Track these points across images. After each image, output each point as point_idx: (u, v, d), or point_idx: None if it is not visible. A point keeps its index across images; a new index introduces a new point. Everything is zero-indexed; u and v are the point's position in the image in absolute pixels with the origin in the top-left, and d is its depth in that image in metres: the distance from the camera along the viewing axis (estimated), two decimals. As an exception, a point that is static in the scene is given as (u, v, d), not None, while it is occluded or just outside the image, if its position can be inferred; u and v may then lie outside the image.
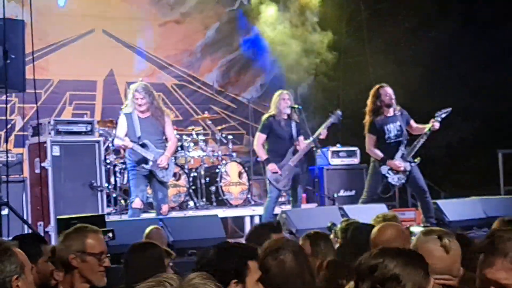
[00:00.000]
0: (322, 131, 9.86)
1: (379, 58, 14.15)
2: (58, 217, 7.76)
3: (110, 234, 5.03)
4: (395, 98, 9.78)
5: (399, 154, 9.66)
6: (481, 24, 13.32)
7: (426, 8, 14.16)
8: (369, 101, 9.81)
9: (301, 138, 9.86)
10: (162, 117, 9.24)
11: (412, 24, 14.24)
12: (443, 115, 9.63)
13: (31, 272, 4.17)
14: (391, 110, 9.77)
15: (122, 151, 9.96)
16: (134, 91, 9.13)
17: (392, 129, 9.75)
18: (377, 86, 9.85)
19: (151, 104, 9.11)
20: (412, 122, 9.80)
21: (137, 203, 8.95)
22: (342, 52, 14.13)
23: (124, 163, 10.14)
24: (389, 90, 9.75)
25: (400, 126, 9.74)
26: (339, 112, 10.02)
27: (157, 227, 7.19)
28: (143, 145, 9.02)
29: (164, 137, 9.31)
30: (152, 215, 9.70)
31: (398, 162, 9.63)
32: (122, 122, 9.23)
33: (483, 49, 13.18)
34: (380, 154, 9.72)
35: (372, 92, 9.83)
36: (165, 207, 9.19)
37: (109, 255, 4.13)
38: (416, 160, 9.65)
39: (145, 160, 9.03)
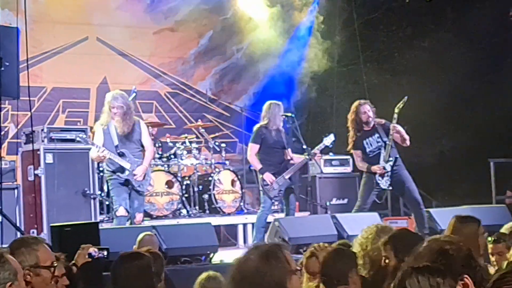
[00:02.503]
0: (314, 152, 9.99)
1: (372, 67, 14.22)
2: (51, 224, 7.74)
3: (105, 253, 4.96)
4: (374, 113, 9.87)
5: (381, 158, 9.76)
6: (473, 34, 13.40)
7: (419, 18, 14.24)
8: (349, 116, 9.92)
9: (289, 150, 9.90)
10: (138, 126, 9.08)
11: (406, 33, 14.32)
12: (401, 106, 9.73)
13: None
14: (369, 125, 9.87)
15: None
16: (111, 100, 8.91)
17: (372, 142, 9.87)
18: (357, 102, 9.96)
19: (127, 114, 8.93)
20: (390, 128, 9.80)
21: (121, 211, 8.83)
22: (336, 61, 14.17)
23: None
24: (367, 108, 9.86)
25: (379, 137, 9.83)
26: (332, 136, 10.12)
27: (150, 233, 7.18)
28: (121, 154, 8.88)
29: (141, 146, 9.15)
30: (144, 223, 9.69)
31: (376, 166, 9.73)
32: (98, 132, 9.01)
33: (475, 58, 13.26)
34: (365, 165, 9.87)
35: (352, 108, 9.93)
36: (139, 216, 9.06)
37: (56, 264, 4.02)
38: (389, 159, 9.72)
39: (122, 169, 8.89)
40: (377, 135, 9.85)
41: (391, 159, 9.73)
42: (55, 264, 4.01)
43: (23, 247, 3.98)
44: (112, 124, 8.92)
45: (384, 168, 9.70)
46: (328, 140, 10.09)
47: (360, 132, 9.90)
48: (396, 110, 9.71)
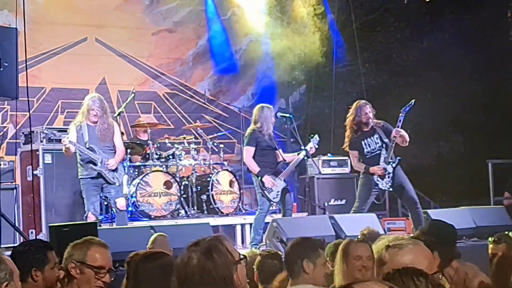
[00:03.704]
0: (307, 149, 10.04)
1: (370, 68, 14.24)
2: (50, 224, 7.77)
3: None
4: (374, 114, 9.86)
5: (381, 159, 9.74)
6: (471, 35, 13.42)
7: (417, 19, 14.26)
8: (349, 116, 9.90)
9: (278, 151, 9.93)
10: (112, 127, 9.22)
11: (404, 34, 14.34)
12: (407, 109, 9.73)
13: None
14: (368, 126, 9.86)
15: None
16: (89, 103, 9.12)
17: (370, 142, 9.84)
18: (357, 103, 9.93)
19: (103, 116, 9.11)
20: (393, 132, 9.79)
21: (90, 218, 8.85)
22: (334, 62, 14.18)
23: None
24: (368, 109, 9.84)
25: (378, 138, 9.81)
26: (316, 137, 10.13)
27: (162, 234, 7.20)
28: (90, 149, 8.98)
29: (113, 145, 9.23)
30: (143, 223, 9.72)
31: (376, 167, 9.70)
32: (72, 130, 9.14)
33: (473, 60, 13.28)
34: (362, 165, 9.84)
35: (352, 108, 9.90)
36: (120, 201, 9.13)
37: (106, 270, 4.06)
38: (390, 160, 9.71)
39: (93, 163, 8.96)
40: (376, 135, 9.83)
41: (392, 160, 9.73)
42: (104, 270, 4.04)
43: (80, 243, 4.09)
44: (85, 124, 9.06)
45: (385, 169, 9.69)
46: (315, 140, 10.11)
47: (358, 133, 9.89)
48: (402, 113, 9.69)
